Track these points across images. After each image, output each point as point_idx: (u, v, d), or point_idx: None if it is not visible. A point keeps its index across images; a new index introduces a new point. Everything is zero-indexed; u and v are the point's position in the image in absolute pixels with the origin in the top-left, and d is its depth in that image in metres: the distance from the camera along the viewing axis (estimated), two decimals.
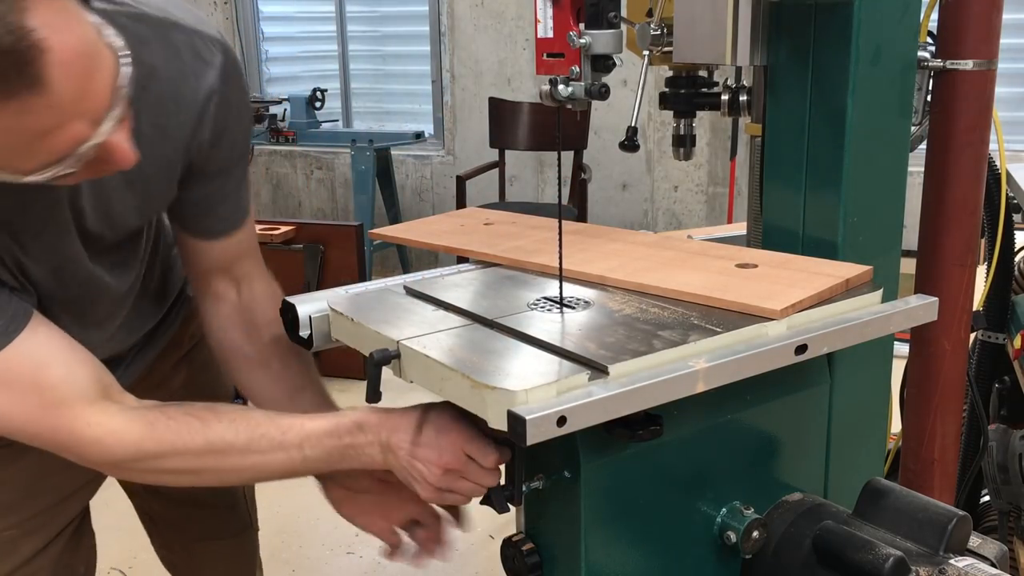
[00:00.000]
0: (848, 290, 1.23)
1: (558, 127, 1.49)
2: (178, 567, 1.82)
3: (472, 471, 1.14)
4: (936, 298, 1.22)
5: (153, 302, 1.50)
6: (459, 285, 1.36)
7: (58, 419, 1.14)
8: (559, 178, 1.38)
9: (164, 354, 1.57)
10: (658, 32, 1.41)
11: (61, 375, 1.14)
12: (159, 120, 1.19)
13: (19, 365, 1.12)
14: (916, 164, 1.51)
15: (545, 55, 1.28)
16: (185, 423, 1.17)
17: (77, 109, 0.92)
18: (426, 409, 1.18)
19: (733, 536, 1.18)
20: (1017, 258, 2.09)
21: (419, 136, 5.40)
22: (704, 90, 1.55)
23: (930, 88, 1.57)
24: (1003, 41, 1.56)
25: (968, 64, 1.53)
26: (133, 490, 1.68)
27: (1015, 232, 2.01)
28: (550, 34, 1.27)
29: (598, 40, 1.24)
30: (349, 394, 4.04)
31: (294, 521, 3.00)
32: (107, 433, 1.14)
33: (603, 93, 1.25)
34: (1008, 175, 1.98)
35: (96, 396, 1.16)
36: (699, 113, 1.59)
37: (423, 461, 1.14)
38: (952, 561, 1.09)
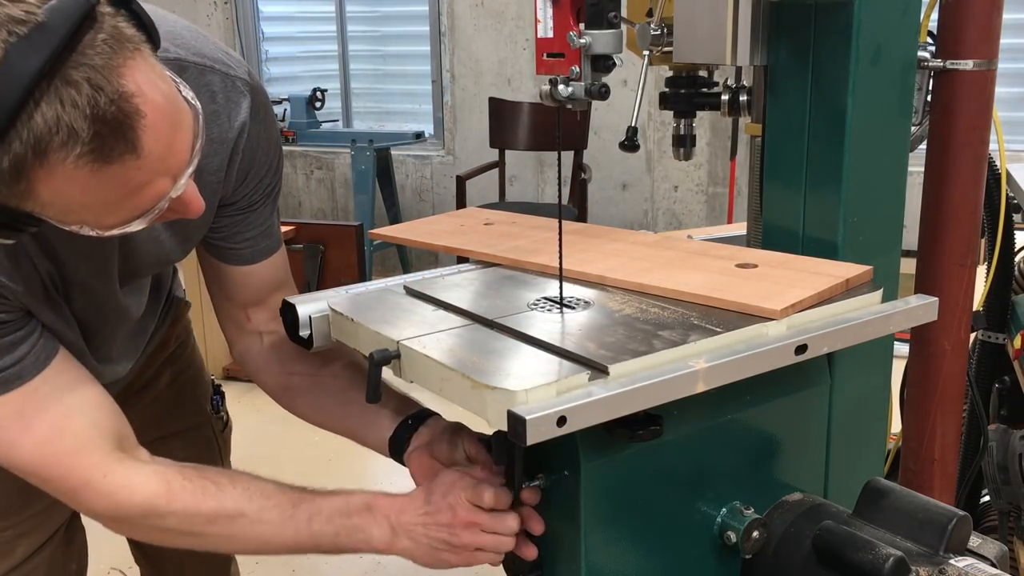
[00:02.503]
0: (848, 290, 1.23)
1: (558, 127, 1.49)
2: (163, 568, 1.81)
3: (488, 521, 1.15)
4: (936, 298, 1.22)
5: (152, 310, 1.51)
6: (459, 285, 1.36)
7: (73, 466, 1.13)
8: (559, 178, 1.38)
9: (153, 355, 1.58)
10: (658, 32, 1.41)
11: (85, 422, 1.14)
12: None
13: (44, 406, 1.12)
14: (916, 164, 1.50)
15: (545, 55, 1.28)
16: (200, 485, 1.17)
17: (163, 167, 0.95)
18: (430, 484, 1.19)
19: (733, 536, 1.18)
20: (1017, 258, 2.09)
21: (419, 136, 5.40)
22: (704, 90, 1.55)
23: (930, 88, 1.57)
24: (1003, 41, 1.56)
25: (968, 64, 1.53)
26: None
27: (1015, 232, 2.01)
28: (550, 34, 1.27)
29: (598, 40, 1.24)
30: None
31: None
32: (121, 487, 1.14)
33: (603, 93, 1.25)
34: (1008, 175, 1.98)
35: (114, 447, 1.16)
36: (699, 113, 1.59)
37: (442, 526, 1.15)
38: (952, 561, 1.09)
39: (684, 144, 1.60)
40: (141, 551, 1.79)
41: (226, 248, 1.37)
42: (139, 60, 0.91)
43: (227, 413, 1.79)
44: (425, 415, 1.32)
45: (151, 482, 1.16)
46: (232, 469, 1.24)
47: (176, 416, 1.65)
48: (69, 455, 1.13)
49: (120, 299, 1.31)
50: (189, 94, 1.00)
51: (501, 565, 1.23)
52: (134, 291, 1.37)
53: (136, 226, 0.99)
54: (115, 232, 0.98)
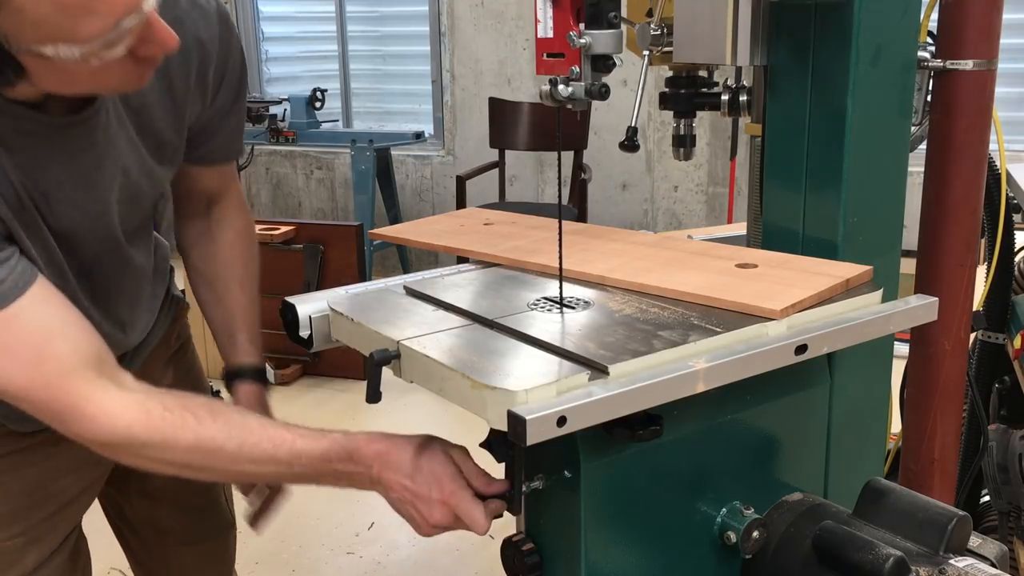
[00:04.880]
0: (848, 290, 1.23)
1: (558, 127, 1.49)
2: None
3: (462, 507, 1.14)
4: (936, 298, 1.22)
5: (159, 283, 1.52)
6: (459, 285, 1.36)
7: (58, 390, 1.13)
8: (559, 178, 1.38)
9: (155, 353, 1.58)
10: (658, 32, 1.41)
11: (68, 347, 1.14)
12: (162, 68, 1.21)
13: (26, 330, 1.12)
14: (916, 164, 1.51)
15: (545, 55, 1.28)
16: (180, 417, 1.16)
17: None
18: (421, 446, 1.18)
19: (733, 536, 1.18)
20: (1017, 258, 2.09)
21: (419, 136, 5.40)
22: (704, 90, 1.55)
23: (930, 88, 1.57)
24: (1003, 41, 1.56)
25: (968, 64, 1.53)
26: (111, 498, 1.67)
27: (1015, 232, 2.01)
28: (550, 34, 1.27)
29: (598, 40, 1.24)
30: (349, 394, 4.04)
31: (294, 521, 3.00)
32: (102, 412, 1.14)
33: (603, 93, 1.25)
34: (1008, 175, 1.98)
35: (98, 372, 1.16)
36: (699, 113, 1.59)
37: (419, 498, 1.15)
38: (952, 561, 1.09)
39: (684, 144, 1.60)
40: (136, 559, 1.78)
41: (191, 147, 1.39)
42: None
43: None
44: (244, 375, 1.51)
45: (130, 411, 1.15)
46: (218, 402, 1.23)
47: None
48: (53, 378, 1.13)
49: (113, 218, 1.29)
50: None
51: (502, 565, 1.23)
52: (137, 240, 1.38)
53: (115, 52, 1.00)
54: (93, 48, 0.98)
